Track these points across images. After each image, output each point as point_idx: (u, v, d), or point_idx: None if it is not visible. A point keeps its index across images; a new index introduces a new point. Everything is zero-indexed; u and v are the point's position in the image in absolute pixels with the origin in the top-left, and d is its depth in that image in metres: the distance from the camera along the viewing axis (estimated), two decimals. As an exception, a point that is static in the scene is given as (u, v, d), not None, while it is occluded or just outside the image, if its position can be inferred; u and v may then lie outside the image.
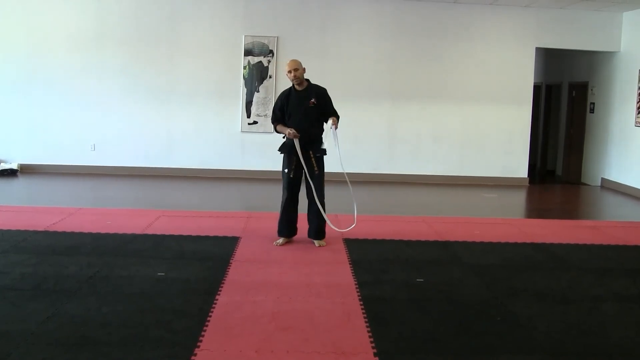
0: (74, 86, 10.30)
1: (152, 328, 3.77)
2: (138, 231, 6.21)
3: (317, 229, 5.87)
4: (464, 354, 3.59)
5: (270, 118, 6.00)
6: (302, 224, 5.98)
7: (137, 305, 4.17)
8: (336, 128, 5.61)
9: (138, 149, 10.48)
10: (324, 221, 5.89)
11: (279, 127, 5.81)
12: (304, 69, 5.72)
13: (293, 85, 5.77)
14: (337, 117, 5.77)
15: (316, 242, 5.87)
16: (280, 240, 5.89)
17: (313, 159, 5.73)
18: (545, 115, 13.27)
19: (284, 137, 5.82)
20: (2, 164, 10.13)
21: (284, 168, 5.83)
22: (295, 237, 6.00)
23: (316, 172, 5.74)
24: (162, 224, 6.61)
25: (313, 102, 5.68)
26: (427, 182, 10.71)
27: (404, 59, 10.62)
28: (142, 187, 9.58)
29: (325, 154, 5.84)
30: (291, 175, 5.77)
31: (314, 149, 5.74)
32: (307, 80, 5.81)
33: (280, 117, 5.81)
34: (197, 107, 10.47)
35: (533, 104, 11.08)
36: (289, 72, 5.64)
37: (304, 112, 5.69)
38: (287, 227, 5.87)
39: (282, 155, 5.86)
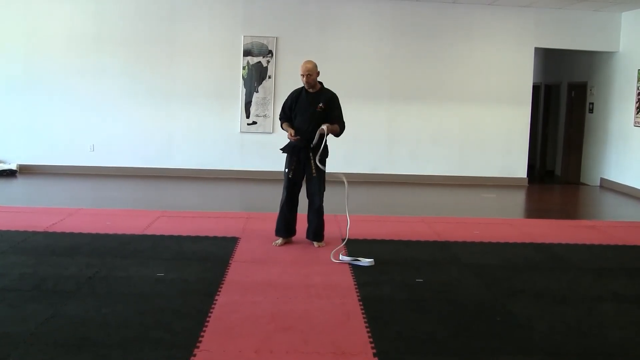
0: (73, 87, 10.30)
1: (152, 329, 3.77)
2: (137, 232, 6.21)
3: (316, 230, 5.87)
4: (463, 354, 3.59)
5: (279, 114, 5.98)
6: (302, 224, 5.98)
7: (137, 306, 4.16)
8: (324, 135, 5.58)
9: (137, 149, 10.48)
10: (323, 222, 5.89)
11: (284, 125, 5.81)
12: (317, 73, 5.68)
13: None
14: (341, 128, 5.74)
15: (315, 243, 5.87)
16: (279, 240, 5.89)
17: (314, 162, 5.71)
18: (545, 116, 13.27)
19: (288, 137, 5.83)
20: (1, 164, 10.12)
21: (285, 168, 5.83)
22: (294, 238, 5.99)
23: (314, 175, 5.74)
24: (161, 224, 6.60)
25: (321, 107, 5.67)
26: (426, 182, 10.71)
27: (403, 59, 10.62)
28: (141, 187, 9.58)
29: (327, 156, 5.83)
30: (290, 176, 5.77)
31: (315, 152, 5.72)
32: (320, 83, 5.79)
33: (289, 115, 5.81)
34: (196, 108, 10.47)
35: (532, 104, 11.08)
36: (302, 75, 5.63)
37: (311, 115, 5.67)
38: (284, 227, 5.86)
39: (285, 155, 5.86)
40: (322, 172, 5.76)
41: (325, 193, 5.84)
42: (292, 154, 5.76)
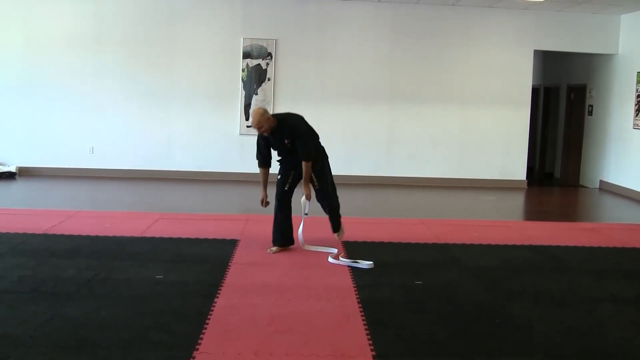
0: (73, 88, 10.30)
1: (151, 331, 3.77)
2: (136, 234, 6.21)
3: (334, 225, 6.00)
4: (462, 355, 3.59)
5: (255, 154, 5.85)
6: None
7: (136, 308, 4.16)
8: (309, 200, 5.65)
9: (136, 151, 10.48)
10: (340, 218, 5.98)
11: (260, 174, 5.81)
12: (268, 119, 5.45)
13: None
14: (309, 154, 5.56)
15: (336, 235, 6.01)
16: (274, 248, 5.78)
17: (312, 174, 5.70)
18: (544, 118, 13.27)
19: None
20: (0, 166, 10.12)
21: (278, 174, 5.81)
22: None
23: (317, 187, 5.75)
24: (160, 226, 6.60)
25: (288, 143, 5.59)
26: (425, 184, 10.71)
27: (402, 61, 10.63)
28: (140, 189, 9.58)
29: (327, 158, 5.85)
30: (286, 188, 5.76)
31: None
32: (275, 118, 5.58)
33: (265, 154, 5.73)
34: (195, 110, 10.47)
35: (531, 106, 11.09)
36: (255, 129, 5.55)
37: (286, 151, 5.66)
38: (280, 235, 5.79)
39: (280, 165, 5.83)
40: (324, 180, 5.77)
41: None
42: (289, 167, 5.74)
